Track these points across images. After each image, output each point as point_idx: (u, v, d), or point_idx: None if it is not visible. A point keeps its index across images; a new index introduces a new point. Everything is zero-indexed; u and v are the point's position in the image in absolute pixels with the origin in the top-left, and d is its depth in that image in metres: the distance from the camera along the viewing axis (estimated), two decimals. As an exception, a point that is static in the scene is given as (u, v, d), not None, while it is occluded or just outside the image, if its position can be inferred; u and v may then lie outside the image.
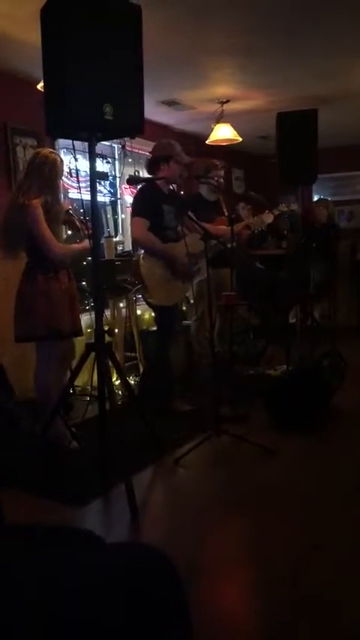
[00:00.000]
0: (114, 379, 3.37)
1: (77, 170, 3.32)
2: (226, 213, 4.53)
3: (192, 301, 4.86)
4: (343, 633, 1.77)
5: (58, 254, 3.07)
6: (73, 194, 4.72)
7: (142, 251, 3.80)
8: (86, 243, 3.10)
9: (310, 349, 4.58)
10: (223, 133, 5.40)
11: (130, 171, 5.17)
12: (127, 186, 5.45)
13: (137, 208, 3.73)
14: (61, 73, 2.33)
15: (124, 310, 4.42)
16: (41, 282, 3.07)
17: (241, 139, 5.51)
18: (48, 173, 3.09)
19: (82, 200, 2.94)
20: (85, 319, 4.00)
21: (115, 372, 3.01)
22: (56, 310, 3.07)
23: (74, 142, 2.77)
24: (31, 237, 3.05)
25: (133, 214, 3.75)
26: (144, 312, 4.87)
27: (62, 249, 3.11)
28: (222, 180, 4.67)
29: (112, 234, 5.08)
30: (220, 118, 5.36)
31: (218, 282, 4.38)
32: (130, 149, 5.03)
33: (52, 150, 3.28)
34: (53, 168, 3.11)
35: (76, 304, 3.27)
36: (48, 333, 3.05)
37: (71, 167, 4.55)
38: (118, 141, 5.17)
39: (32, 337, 3.12)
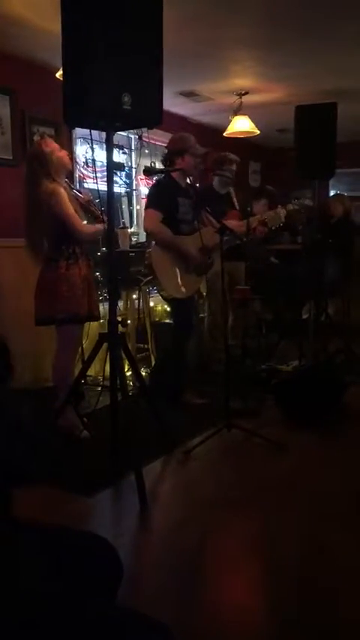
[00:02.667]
0: (126, 370, 3.40)
1: (94, 160, 3.32)
2: (237, 207, 4.50)
3: (204, 294, 4.85)
4: (348, 628, 1.76)
5: (87, 233, 3.17)
6: (90, 184, 4.72)
7: (154, 242, 3.79)
8: (100, 226, 3.17)
9: (323, 345, 4.56)
10: (240, 126, 5.36)
11: (146, 162, 5.15)
12: (143, 178, 5.44)
13: (152, 200, 3.72)
14: (81, 62, 2.32)
15: (136, 301, 4.42)
16: (62, 268, 3.16)
17: (258, 132, 5.47)
18: (42, 168, 3.10)
19: (98, 190, 2.94)
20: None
21: (127, 362, 3.03)
22: (75, 296, 3.16)
23: (92, 131, 2.77)
24: (55, 222, 3.10)
25: (147, 206, 3.74)
26: (157, 304, 4.86)
27: (89, 229, 3.19)
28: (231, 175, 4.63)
29: (127, 225, 5.07)
30: (238, 110, 5.32)
31: (232, 276, 4.35)
32: (146, 140, 5.01)
33: (36, 141, 3.26)
34: (44, 159, 3.10)
35: (94, 290, 3.37)
36: (67, 317, 3.16)
37: (88, 157, 4.55)
38: (135, 131, 5.15)
39: (52, 321, 3.22)
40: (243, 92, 5.10)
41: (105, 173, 2.77)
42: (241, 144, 6.14)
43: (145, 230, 3.82)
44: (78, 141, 4.65)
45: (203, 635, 1.72)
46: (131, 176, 5.43)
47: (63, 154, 3.23)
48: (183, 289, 3.72)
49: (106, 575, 1.26)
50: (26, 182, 3.18)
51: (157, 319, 4.80)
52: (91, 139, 2.78)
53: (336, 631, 1.76)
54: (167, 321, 4.65)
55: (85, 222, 3.24)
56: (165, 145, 3.98)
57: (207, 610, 1.87)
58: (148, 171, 3.82)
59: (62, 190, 3.10)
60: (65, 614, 1.01)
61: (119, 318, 2.88)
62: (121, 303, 4.22)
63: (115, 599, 1.28)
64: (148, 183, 5.42)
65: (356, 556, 2.15)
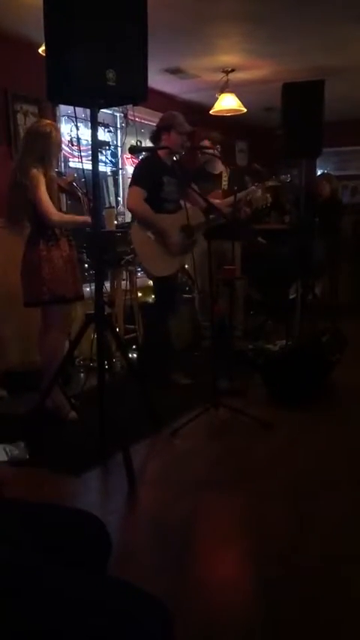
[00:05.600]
0: (113, 350, 3.40)
1: (78, 139, 3.28)
2: (225, 187, 4.47)
3: (190, 274, 4.84)
4: (331, 608, 1.80)
5: (56, 221, 3.13)
6: (74, 163, 4.66)
7: (136, 221, 3.77)
8: (88, 218, 3.12)
9: (310, 325, 4.58)
10: (227, 103, 5.29)
11: (132, 140, 5.09)
12: (129, 156, 5.37)
13: (136, 178, 3.70)
14: (64, 37, 2.27)
15: (123, 282, 4.40)
16: (43, 249, 3.15)
17: (245, 110, 5.41)
18: (43, 146, 3.11)
19: (83, 169, 2.90)
20: (85, 291, 4.00)
21: (114, 343, 3.03)
22: (58, 276, 3.15)
23: (76, 109, 2.72)
24: (33, 206, 3.09)
25: (131, 183, 3.71)
26: (145, 285, 4.84)
27: (60, 217, 3.16)
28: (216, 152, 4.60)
29: (113, 204, 5.02)
30: (224, 88, 5.25)
31: (220, 256, 4.34)
32: (132, 118, 4.94)
33: (47, 122, 3.25)
34: (48, 141, 3.12)
35: (77, 270, 3.35)
36: (52, 298, 3.15)
37: (72, 135, 4.48)
38: (120, 109, 5.08)
39: (39, 302, 3.20)
40: (230, 69, 5.03)
41: (90, 152, 2.72)
42: (228, 122, 6.08)
43: (128, 208, 3.80)
44: (62, 119, 4.57)
45: (192, 611, 1.74)
46: (117, 155, 5.36)
47: (61, 147, 3.26)
48: (164, 268, 3.71)
49: (95, 550, 1.27)
50: (20, 156, 3.16)
51: (147, 299, 4.79)
52: (75, 117, 2.74)
53: (321, 606, 1.79)
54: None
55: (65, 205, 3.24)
56: (150, 122, 3.95)
57: (195, 587, 1.90)
58: (134, 150, 3.78)
59: (41, 177, 3.07)
60: (53, 588, 1.01)
61: (106, 299, 2.88)
62: (107, 284, 4.19)
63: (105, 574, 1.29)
64: (133, 162, 5.35)
65: (344, 532, 2.19)
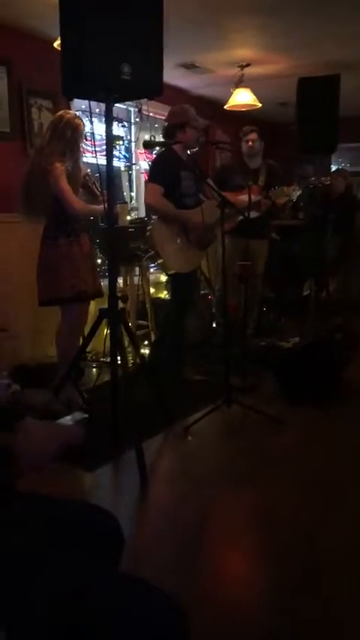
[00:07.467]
0: (126, 346, 3.40)
1: (93, 133, 3.27)
2: (262, 182, 4.44)
3: (207, 272, 4.82)
4: (346, 604, 1.79)
5: (79, 210, 3.13)
6: (89, 158, 4.65)
7: (156, 217, 3.75)
8: (101, 206, 3.11)
9: (323, 322, 4.55)
10: (242, 98, 5.26)
11: (145, 135, 5.08)
12: (143, 151, 5.37)
13: (153, 174, 3.68)
14: (79, 31, 2.26)
15: (136, 278, 4.39)
16: (64, 245, 3.13)
17: (260, 105, 5.38)
18: (70, 137, 3.14)
19: (97, 164, 2.90)
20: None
21: (127, 338, 3.02)
22: (80, 273, 3.14)
23: (90, 104, 2.72)
24: (54, 199, 3.08)
25: (149, 180, 3.70)
26: (158, 280, 4.84)
27: (83, 206, 3.16)
28: (253, 144, 4.58)
29: (127, 200, 5.02)
30: (239, 83, 5.22)
31: (243, 252, 4.28)
32: (146, 113, 4.93)
33: (75, 114, 3.27)
34: (76, 133, 3.16)
35: (96, 267, 3.35)
36: (73, 295, 3.13)
37: (87, 130, 4.48)
38: (135, 104, 5.07)
39: (57, 300, 3.18)
40: (244, 64, 5.00)
41: (104, 147, 2.72)
42: (243, 117, 6.05)
43: (147, 204, 3.79)
44: (77, 113, 4.57)
45: (204, 607, 1.74)
46: (130, 150, 5.35)
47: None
48: (185, 264, 3.69)
49: (108, 546, 1.27)
50: (47, 142, 3.13)
51: (159, 295, 4.78)
52: (90, 111, 2.73)
53: (335, 603, 1.78)
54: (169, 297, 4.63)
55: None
56: (165, 117, 3.92)
57: (208, 583, 1.90)
58: (148, 145, 3.77)
59: (64, 170, 3.08)
60: (67, 580, 1.01)
61: (119, 294, 2.88)
62: (120, 280, 4.19)
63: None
64: (147, 157, 5.35)
65: (355, 530, 2.18)
